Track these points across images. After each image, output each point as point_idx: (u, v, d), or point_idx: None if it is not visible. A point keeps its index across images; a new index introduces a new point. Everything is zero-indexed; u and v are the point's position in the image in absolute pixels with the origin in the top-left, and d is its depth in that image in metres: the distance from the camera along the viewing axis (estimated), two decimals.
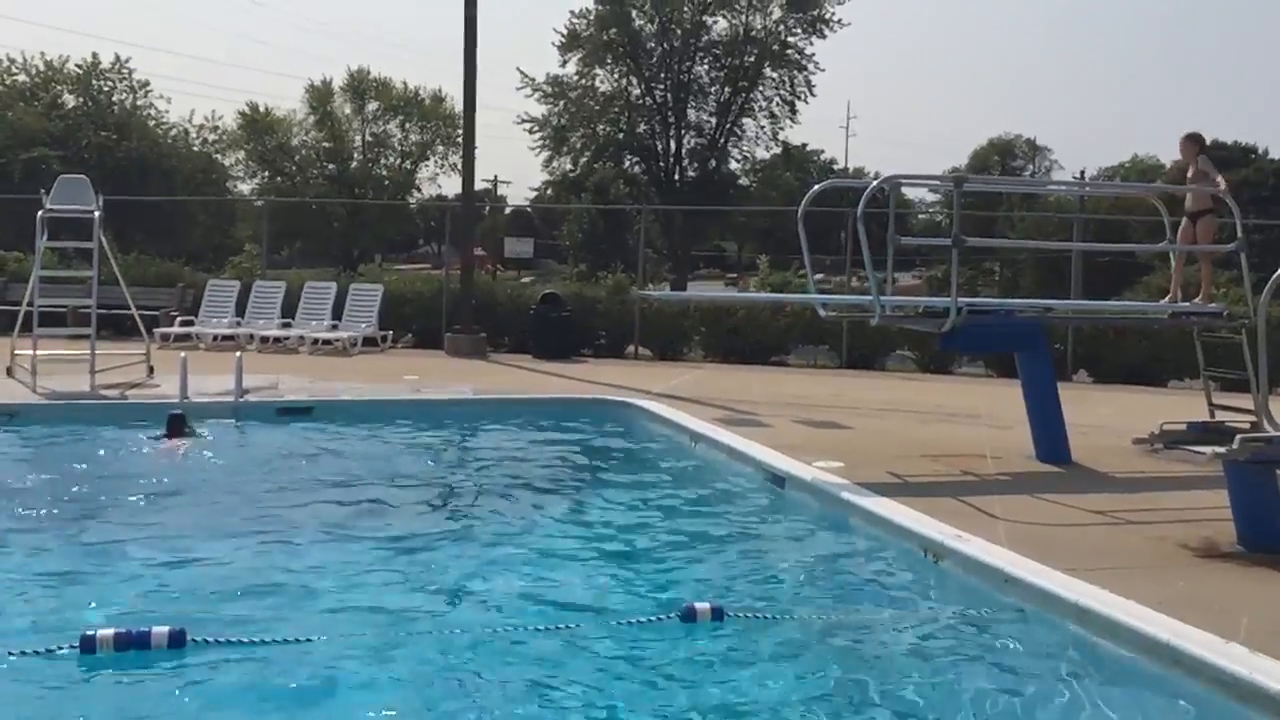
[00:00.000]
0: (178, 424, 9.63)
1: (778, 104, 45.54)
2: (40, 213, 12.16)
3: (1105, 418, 11.04)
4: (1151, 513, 7.12)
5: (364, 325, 17.41)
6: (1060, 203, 31.45)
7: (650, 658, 4.84)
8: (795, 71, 44.81)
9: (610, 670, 4.71)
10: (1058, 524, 6.79)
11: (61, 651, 4.49)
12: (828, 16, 43.81)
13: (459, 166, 20.55)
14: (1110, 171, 56.90)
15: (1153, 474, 8.53)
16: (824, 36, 44.15)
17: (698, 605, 5.14)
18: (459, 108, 20.40)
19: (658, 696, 4.49)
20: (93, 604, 5.32)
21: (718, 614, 5.11)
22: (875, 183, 8.68)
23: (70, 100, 41.05)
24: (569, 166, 46.35)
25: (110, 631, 4.52)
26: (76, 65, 41.09)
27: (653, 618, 5.18)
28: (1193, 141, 9.72)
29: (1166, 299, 10.39)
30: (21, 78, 40.79)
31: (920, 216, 57.73)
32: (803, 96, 45.21)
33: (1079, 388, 14.71)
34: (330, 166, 48.34)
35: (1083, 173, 25.22)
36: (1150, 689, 4.51)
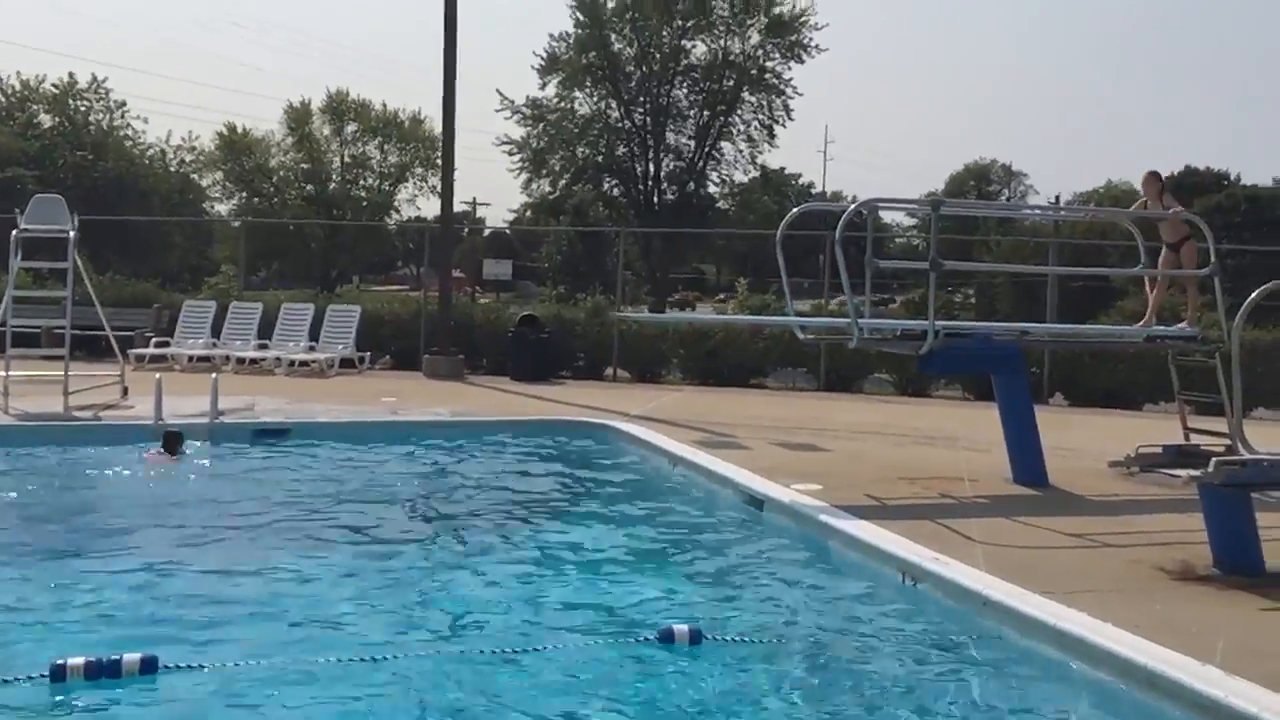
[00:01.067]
0: (174, 441, 9.64)
1: (756, 128, 45.70)
2: (15, 232, 12.08)
3: (1081, 441, 11.10)
4: (1127, 535, 7.14)
5: (341, 347, 17.34)
6: (1036, 227, 31.71)
7: (628, 679, 4.81)
8: (773, 96, 45.00)
9: (587, 691, 4.68)
10: (1035, 547, 6.81)
11: (32, 680, 4.42)
12: (806, 42, 44.03)
13: (438, 188, 20.54)
14: (1085, 196, 57.38)
15: (1129, 497, 8.58)
16: (802, 61, 44.37)
17: (676, 627, 5.13)
18: (438, 129, 20.38)
19: (635, 718, 4.46)
20: (62, 630, 5.25)
21: (695, 636, 5.10)
22: (853, 206, 8.72)
23: (46, 120, 40.85)
24: (548, 189, 46.37)
25: (81, 660, 4.45)
26: (53, 85, 40.95)
27: (631, 639, 5.16)
28: (1155, 179, 9.97)
29: (1141, 323, 10.47)
30: None
31: (897, 240, 58.06)
32: (781, 121, 45.39)
33: (1055, 411, 14.78)
34: (308, 187, 48.18)
35: (1057, 198, 25.50)
36: (1127, 712, 4.51)
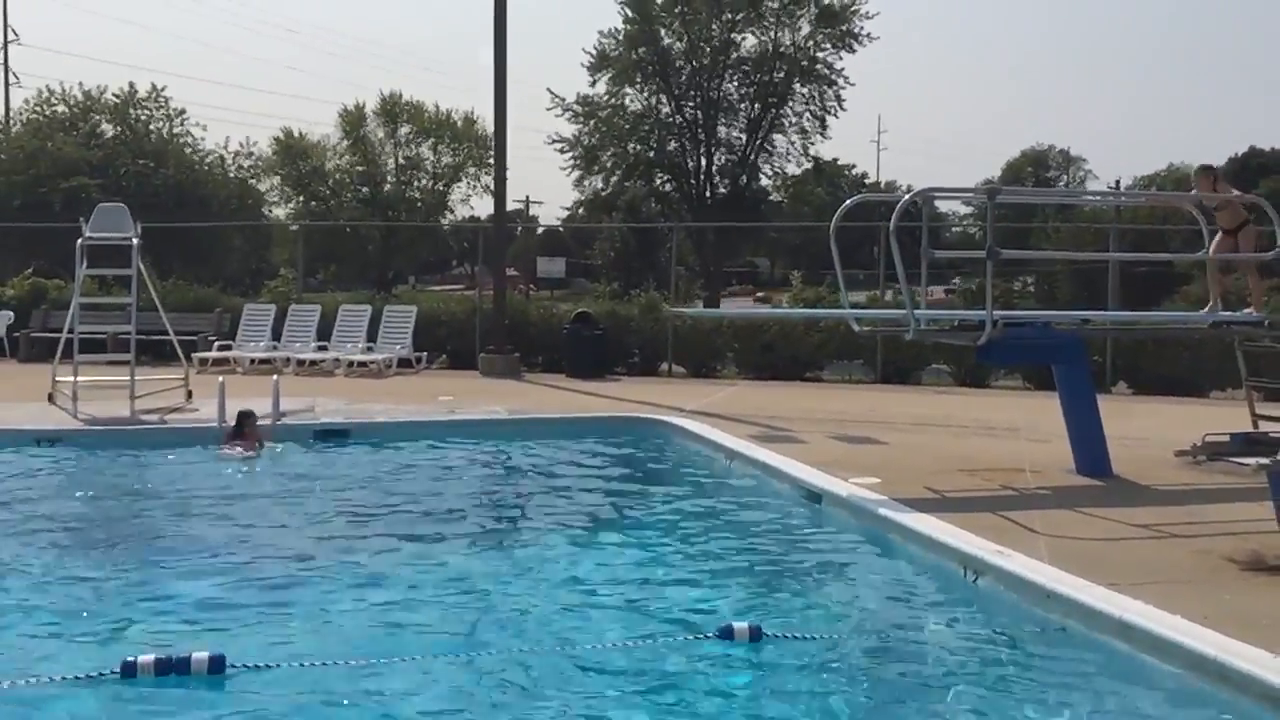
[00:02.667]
0: (247, 419, 10.14)
1: (808, 119, 45.44)
2: (80, 240, 12.32)
3: (1146, 430, 10.90)
4: (1195, 526, 7.00)
5: (399, 347, 17.51)
6: (1096, 213, 31.17)
7: (687, 677, 4.81)
8: (825, 87, 44.71)
9: (647, 689, 4.68)
10: (1100, 538, 6.70)
11: (103, 676, 4.52)
12: (857, 31, 43.72)
13: (491, 187, 20.66)
14: (1146, 180, 56.37)
15: (1196, 486, 8.40)
16: (854, 51, 44.06)
17: (735, 624, 5.11)
18: (490, 129, 20.48)
19: (694, 716, 4.46)
20: (132, 628, 5.36)
21: (755, 633, 5.08)
22: (908, 196, 8.63)
23: (108, 129, 41.53)
24: (600, 185, 46.47)
25: (151, 657, 4.55)
26: (114, 95, 41.65)
27: (690, 636, 5.15)
28: (1207, 172, 9.82)
29: (1206, 309, 10.27)
30: (61, 108, 41.38)
31: (954, 229, 57.43)
32: (833, 111, 45.09)
33: (1118, 399, 14.53)
34: (364, 190, 48.79)
35: (1118, 182, 25.06)
36: (1197, 705, 4.43)
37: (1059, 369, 9.27)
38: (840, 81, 44.58)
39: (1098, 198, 27.91)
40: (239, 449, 9.91)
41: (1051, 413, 9.58)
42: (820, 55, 44.41)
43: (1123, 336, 14.91)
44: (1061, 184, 75.14)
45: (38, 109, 41.55)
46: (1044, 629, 5.28)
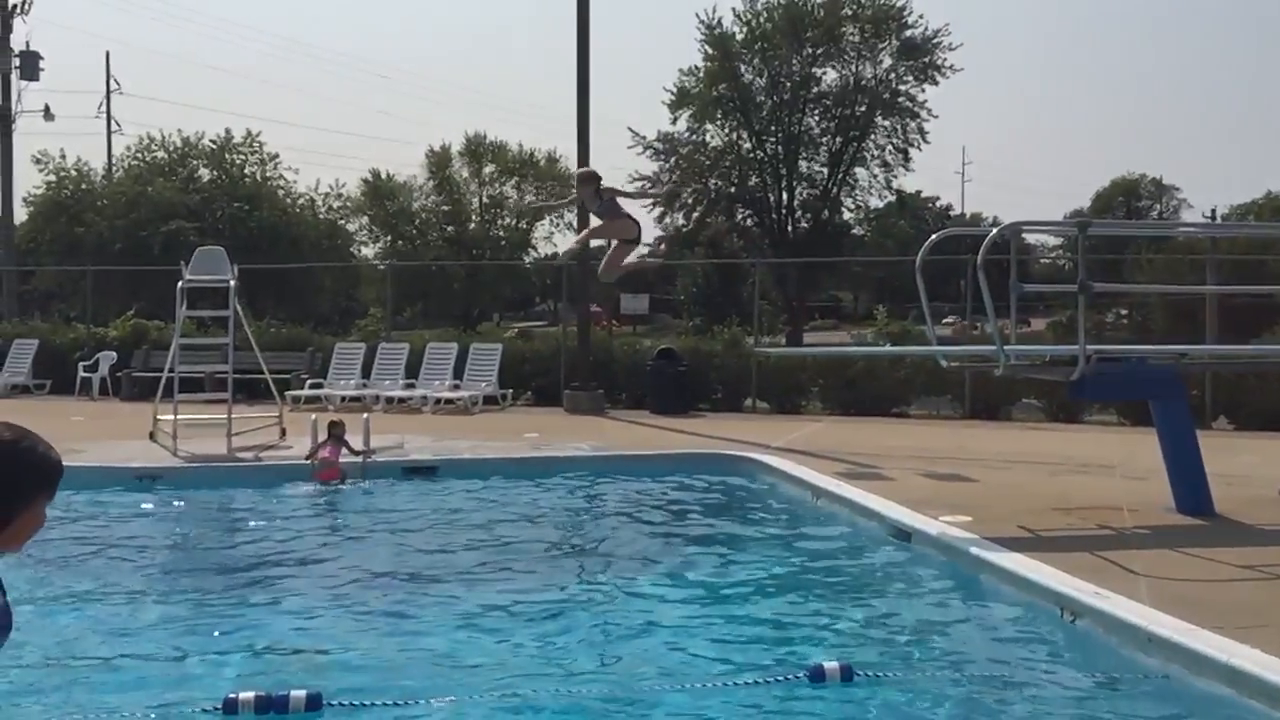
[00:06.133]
0: (339, 428, 10.65)
1: (890, 152, 45.17)
2: (180, 283, 12.71)
3: (1249, 466, 10.56)
4: None
5: (484, 384, 17.71)
6: (1191, 242, 30.41)
7: (779, 718, 4.76)
8: (907, 119, 44.42)
9: None
10: (1203, 580, 6.50)
11: (207, 713, 4.63)
12: (940, 63, 43.42)
13: (573, 225, 20.87)
14: (1243, 209, 54.79)
15: None
16: (936, 83, 43.75)
17: (827, 664, 5.05)
18: (573, 168, 20.71)
19: None
20: (233, 665, 5.48)
21: (847, 673, 5.01)
22: (995, 230, 8.51)
23: (205, 174, 42.92)
24: (681, 222, 46.64)
25: (251, 694, 4.64)
26: (211, 141, 43.05)
27: (781, 677, 5.11)
28: (589, 179, 10.59)
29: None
30: (161, 154, 42.90)
31: (1042, 261, 56.46)
32: (916, 144, 44.77)
33: (1220, 435, 14.10)
34: (449, 229, 49.67)
35: (1214, 212, 24.39)
36: None
37: (1156, 404, 9.02)
38: (923, 114, 44.29)
39: (1193, 228, 27.21)
40: (325, 475, 10.25)
41: (1148, 449, 9.33)
42: (902, 88, 44.17)
43: (1223, 370, 14.48)
44: (1154, 214, 73.49)
45: (138, 155, 43.13)
46: (1146, 674, 5.13)
